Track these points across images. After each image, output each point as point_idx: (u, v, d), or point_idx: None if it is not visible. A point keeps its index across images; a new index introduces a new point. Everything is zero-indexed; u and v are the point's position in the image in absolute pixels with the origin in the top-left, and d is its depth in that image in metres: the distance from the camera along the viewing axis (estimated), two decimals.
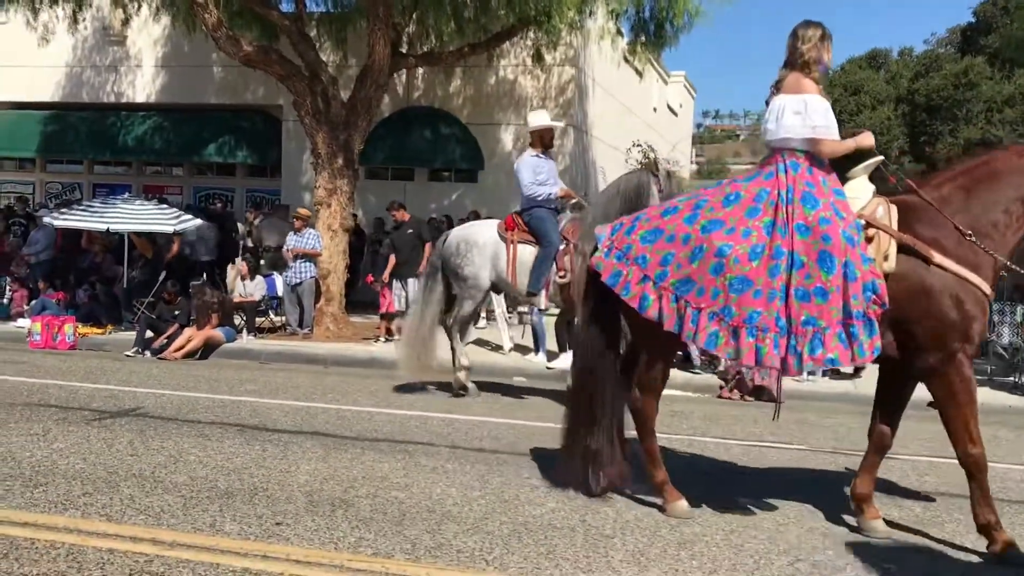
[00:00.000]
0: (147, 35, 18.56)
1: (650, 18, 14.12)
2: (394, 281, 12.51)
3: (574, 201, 9.28)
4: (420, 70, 17.21)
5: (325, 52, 15.58)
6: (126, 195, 15.44)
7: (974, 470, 4.60)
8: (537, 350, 11.67)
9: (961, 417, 4.58)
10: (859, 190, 4.97)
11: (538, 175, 8.97)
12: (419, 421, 7.80)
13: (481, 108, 17.62)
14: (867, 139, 4.97)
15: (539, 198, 8.90)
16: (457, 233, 9.45)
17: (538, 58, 15.97)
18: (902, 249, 4.67)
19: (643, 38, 14.53)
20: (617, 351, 5.43)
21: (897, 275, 4.64)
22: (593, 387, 5.36)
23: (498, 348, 12.28)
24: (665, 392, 9.62)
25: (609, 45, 15.43)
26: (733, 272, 4.69)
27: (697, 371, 10.90)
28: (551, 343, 11.46)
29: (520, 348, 12.17)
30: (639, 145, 18.08)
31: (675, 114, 28.88)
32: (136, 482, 5.48)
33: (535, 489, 5.62)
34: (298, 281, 12.89)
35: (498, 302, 12.67)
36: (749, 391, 9.86)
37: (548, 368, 10.87)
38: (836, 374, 10.89)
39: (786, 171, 4.79)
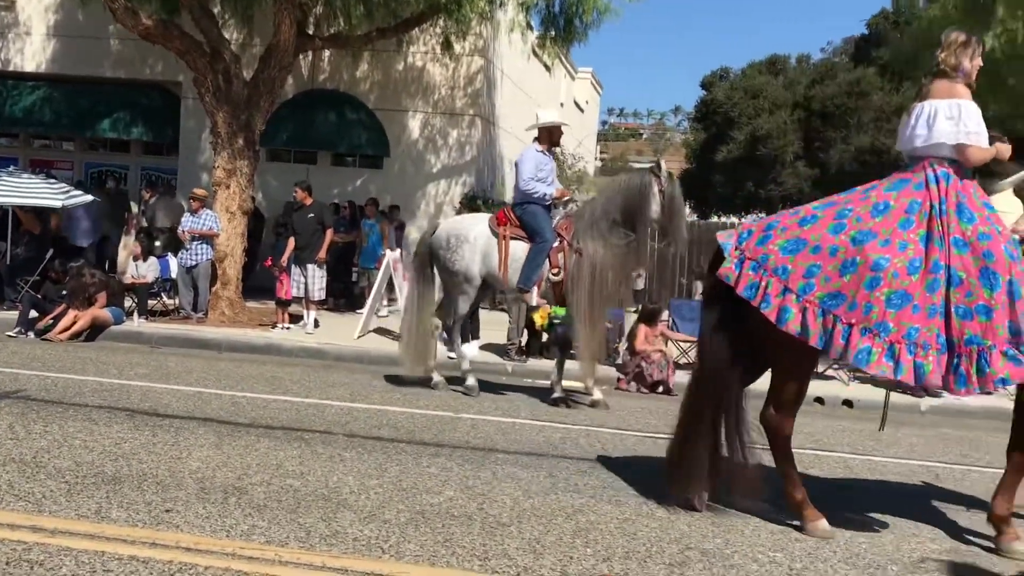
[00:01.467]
0: (37, 2, 17.71)
1: (560, 13, 14.23)
2: (293, 267, 12.28)
3: (567, 199, 9.16)
4: (327, 53, 16.92)
5: (229, 30, 15.16)
6: (11, 168, 14.67)
7: None
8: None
9: None
10: (1008, 204, 4.86)
11: (540, 171, 8.81)
12: (316, 409, 7.70)
13: (388, 94, 17.45)
14: (1007, 150, 4.88)
15: (535, 195, 8.71)
16: (447, 227, 9.22)
17: (447, 46, 15.91)
18: None
19: (552, 32, 14.63)
20: (743, 363, 5.16)
21: None
22: (716, 397, 5.14)
23: (399, 337, 12.16)
24: (564, 383, 9.83)
25: (519, 38, 15.48)
26: (891, 286, 4.49)
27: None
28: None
29: None
30: None
31: (581, 110, 29.17)
32: (16, 467, 5.24)
33: (433, 478, 5.61)
34: (193, 263, 12.52)
35: (401, 291, 12.58)
36: (648, 384, 10.06)
37: (450, 358, 10.85)
38: None
39: (937, 181, 4.67)
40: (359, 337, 11.92)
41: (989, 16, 12.30)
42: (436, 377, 9.17)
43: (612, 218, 8.37)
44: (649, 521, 5.02)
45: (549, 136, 9.01)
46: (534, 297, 8.86)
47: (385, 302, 13.94)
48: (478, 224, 9.02)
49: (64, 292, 11.63)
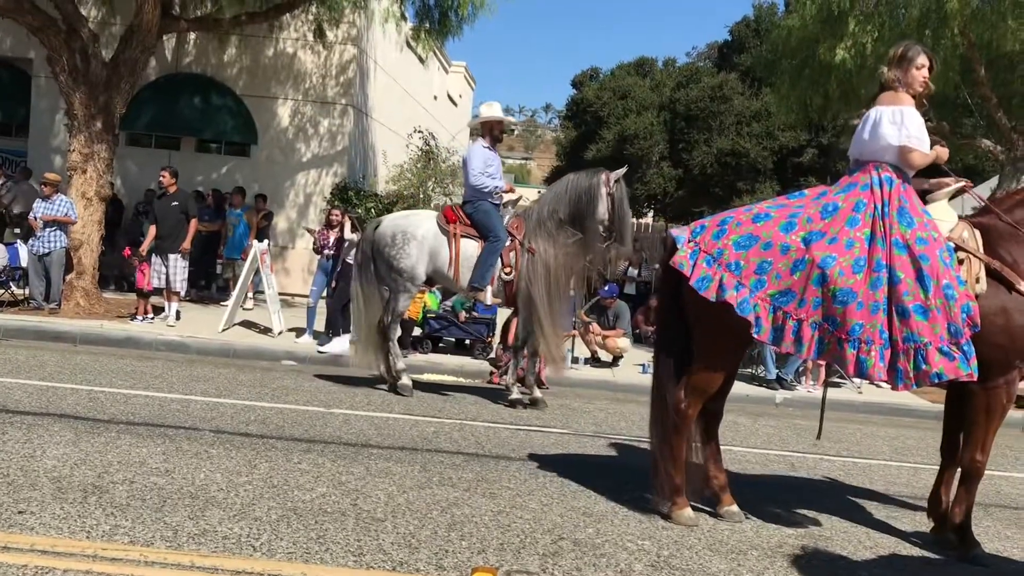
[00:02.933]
0: None
1: (435, 5, 14.18)
2: (154, 256, 11.80)
3: (515, 197, 9.20)
4: (193, 35, 16.31)
5: (86, 6, 14.41)
6: None
7: (973, 475, 4.97)
8: (307, 333, 11.48)
9: (990, 429, 4.92)
10: (943, 213, 5.07)
11: (488, 167, 8.75)
12: (180, 404, 7.43)
13: (257, 80, 16.97)
14: (945, 153, 5.11)
15: (485, 190, 8.66)
16: (392, 222, 8.98)
17: (320, 34, 15.63)
18: (989, 273, 4.82)
19: (427, 25, 14.56)
20: (684, 353, 5.29)
21: (981, 296, 4.78)
22: (664, 390, 5.32)
23: (267, 331, 11.91)
24: (437, 377, 9.84)
25: (393, 28, 15.35)
26: (837, 284, 4.67)
27: (474, 357, 11.16)
28: (320, 326, 11.31)
29: (293, 331, 11.87)
30: (420, 131, 18.16)
31: (455, 104, 29.18)
32: None
33: (304, 474, 5.53)
34: (46, 251, 11.83)
35: (268, 283, 12.29)
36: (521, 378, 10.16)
37: (319, 352, 10.69)
38: (596, 362, 11.52)
39: (881, 185, 4.87)
40: (223, 330, 11.57)
41: (842, 29, 12.98)
42: (404, 379, 8.87)
43: (560, 217, 8.48)
44: (523, 513, 5.09)
45: (491, 131, 9.01)
46: (488, 296, 8.78)
47: (251, 294, 13.59)
48: (425, 221, 8.89)
49: None
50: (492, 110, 9.21)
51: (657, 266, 15.43)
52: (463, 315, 11.36)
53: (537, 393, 8.86)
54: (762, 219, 4.99)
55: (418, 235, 8.78)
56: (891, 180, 4.92)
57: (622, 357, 11.57)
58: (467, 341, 11.65)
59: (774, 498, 5.87)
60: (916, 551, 5.11)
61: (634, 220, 26.71)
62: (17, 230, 12.91)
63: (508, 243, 8.68)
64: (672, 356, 5.35)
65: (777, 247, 4.84)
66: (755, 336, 4.85)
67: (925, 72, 5.08)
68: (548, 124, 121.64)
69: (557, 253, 8.46)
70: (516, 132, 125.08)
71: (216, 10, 13.94)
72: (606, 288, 11.61)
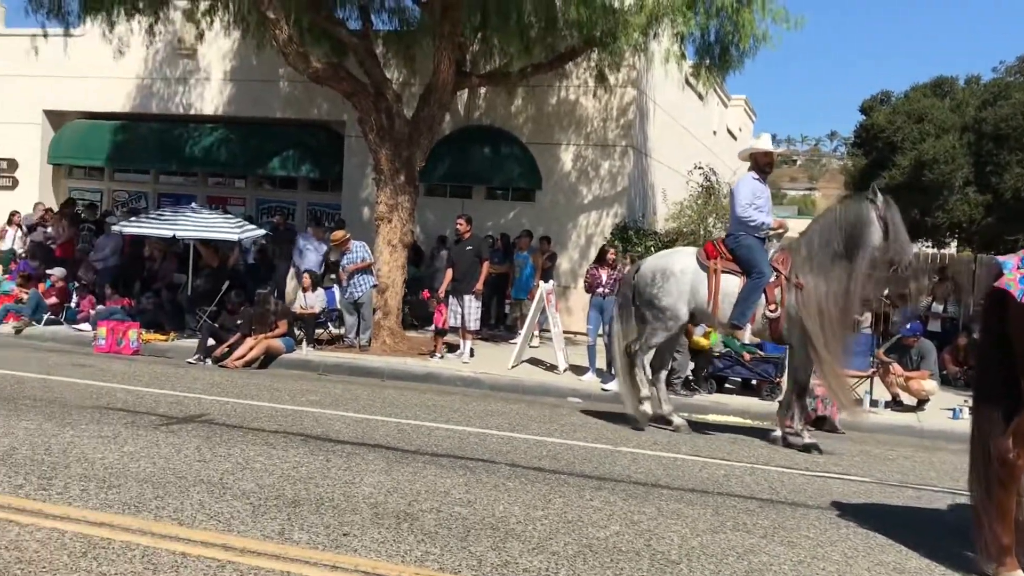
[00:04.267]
0: (216, 49, 18.98)
1: (715, 41, 14.04)
2: (450, 297, 12.58)
3: (784, 232, 8.90)
4: (483, 89, 17.36)
5: (390, 70, 15.81)
6: (193, 205, 15.77)
7: None
8: (591, 371, 11.67)
9: None
10: None
11: (756, 199, 8.63)
12: (478, 438, 7.82)
13: (541, 127, 17.69)
14: None
15: (752, 223, 8.52)
16: (652, 263, 9.10)
17: (601, 79, 16.02)
18: None
19: (707, 61, 14.46)
20: (1011, 394, 4.80)
21: None
22: (986, 438, 4.82)
23: (553, 368, 12.26)
24: (722, 419, 9.60)
25: (672, 67, 15.40)
26: None
27: (761, 398, 10.80)
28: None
29: (576, 368, 12.13)
30: (700, 167, 18.03)
31: (734, 138, 28.68)
32: (205, 487, 5.57)
33: (597, 511, 5.59)
34: (359, 294, 13.04)
35: (554, 322, 12.68)
36: (810, 421, 9.69)
37: (603, 390, 10.82)
38: (899, 406, 10.70)
39: None
40: (513, 367, 12.07)
41: None
42: (677, 420, 8.91)
43: (832, 249, 8.13)
44: (825, 564, 4.82)
45: (757, 163, 8.82)
46: (747, 334, 8.61)
47: (537, 333, 14.06)
48: (684, 258, 8.86)
49: (239, 322, 12.33)
50: (759, 141, 8.99)
51: (966, 300, 14.17)
52: (747, 355, 11.03)
53: (807, 437, 8.37)
54: None
55: (676, 271, 8.68)
56: None
57: (928, 400, 10.66)
58: (753, 382, 11.29)
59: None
60: None
61: (936, 251, 24.68)
62: (333, 275, 14.32)
63: (773, 279, 8.33)
64: (995, 399, 4.82)
65: None
66: None
67: None
68: (833, 152, 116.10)
69: (831, 287, 8.02)
70: (799, 162, 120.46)
71: (505, 64, 14.74)
72: (908, 326, 10.81)
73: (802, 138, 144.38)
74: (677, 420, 8.92)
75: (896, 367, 10.81)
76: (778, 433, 8.54)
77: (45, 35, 15.19)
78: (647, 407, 8.89)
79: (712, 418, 9.85)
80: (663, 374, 9.33)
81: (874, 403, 10.52)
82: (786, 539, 5.25)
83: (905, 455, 8.49)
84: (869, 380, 10.66)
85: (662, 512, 5.67)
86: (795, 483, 6.88)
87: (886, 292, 8.29)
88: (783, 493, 6.51)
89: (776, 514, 5.82)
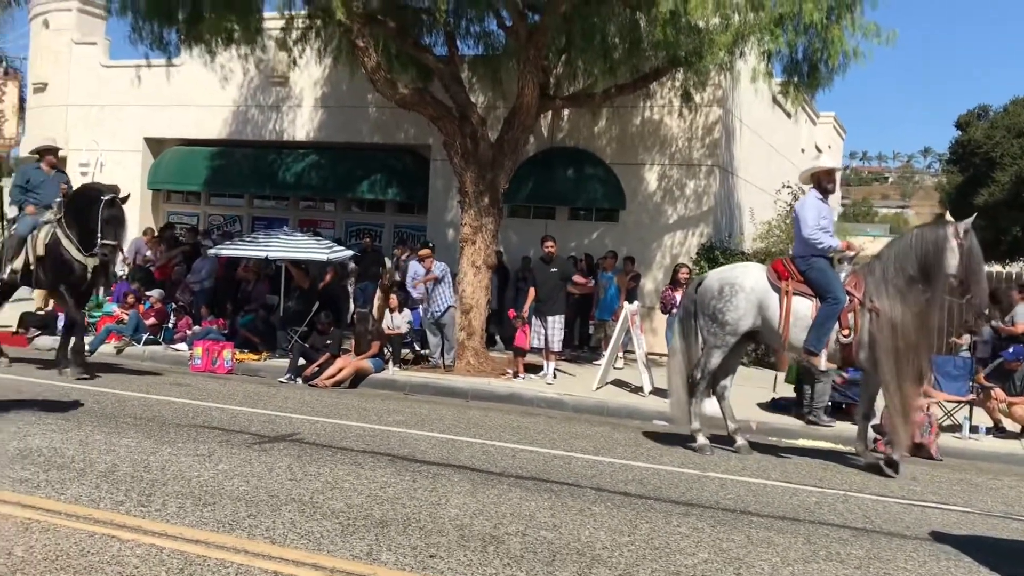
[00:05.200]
0: (308, 76, 19.51)
1: (803, 59, 13.77)
2: (533, 318, 12.61)
3: (852, 254, 8.65)
4: (566, 111, 17.41)
5: (475, 94, 15.99)
6: (284, 228, 16.21)
7: None
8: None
9: None
10: None
11: (822, 219, 8.48)
12: (562, 461, 7.80)
13: (625, 148, 17.63)
14: None
15: (820, 245, 8.34)
16: (720, 275, 8.94)
17: (686, 98, 15.88)
18: None
19: (795, 79, 14.20)
20: None
21: None
22: None
23: (638, 389, 12.16)
24: (812, 443, 9.37)
25: (760, 85, 15.18)
26: None
27: (853, 422, 10.50)
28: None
29: (660, 391, 11.99)
30: (788, 186, 17.70)
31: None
32: (296, 506, 5.69)
33: (685, 538, 5.51)
34: (440, 313, 13.19)
35: (639, 343, 12.58)
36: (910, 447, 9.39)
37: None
38: (1001, 432, 10.27)
39: None
40: (597, 388, 12.01)
41: None
42: (739, 440, 8.82)
43: (908, 274, 7.94)
44: None
45: (819, 182, 8.65)
46: (823, 361, 8.38)
47: (621, 354, 13.97)
48: (754, 272, 8.71)
49: (328, 342, 12.59)
50: (821, 160, 8.77)
51: None
52: (839, 378, 10.74)
53: (871, 458, 8.23)
54: None
55: (747, 287, 8.51)
56: None
57: None
58: (844, 405, 10.98)
59: None
60: None
61: None
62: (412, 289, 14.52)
63: (847, 303, 8.11)
64: None
65: None
66: None
67: None
68: (927, 169, 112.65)
69: (906, 312, 7.80)
70: (891, 179, 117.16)
71: (588, 86, 14.77)
72: (1011, 350, 10.38)
73: (894, 154, 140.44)
74: (740, 441, 8.81)
75: (998, 392, 10.38)
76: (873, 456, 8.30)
77: (149, 65, 15.87)
78: (702, 438, 8.74)
79: (802, 443, 9.62)
80: (729, 380, 9.10)
81: (974, 429, 10.12)
82: (882, 570, 5.08)
83: (1010, 484, 8.14)
84: (969, 406, 10.27)
85: (752, 540, 5.56)
86: (891, 512, 6.66)
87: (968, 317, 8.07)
88: (878, 522, 6.31)
89: (871, 544, 5.65)
